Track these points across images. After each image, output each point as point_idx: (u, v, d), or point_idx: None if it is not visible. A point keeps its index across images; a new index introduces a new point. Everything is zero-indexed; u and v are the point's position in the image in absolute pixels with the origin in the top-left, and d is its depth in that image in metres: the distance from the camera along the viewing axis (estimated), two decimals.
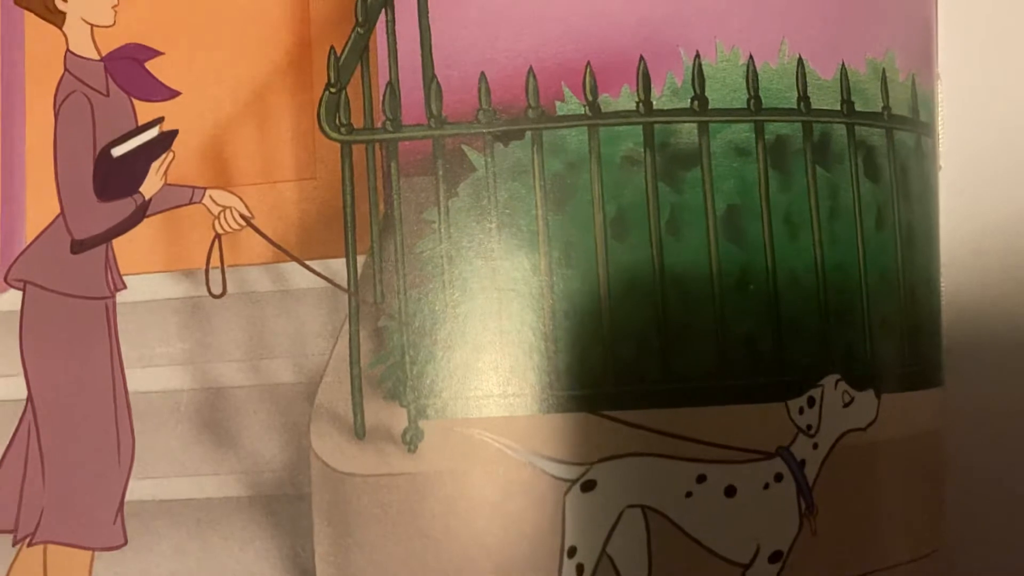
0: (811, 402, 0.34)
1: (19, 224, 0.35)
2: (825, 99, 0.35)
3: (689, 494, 0.32)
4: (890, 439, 0.35)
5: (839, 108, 0.35)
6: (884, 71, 0.36)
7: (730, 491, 0.33)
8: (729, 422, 0.33)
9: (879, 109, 0.36)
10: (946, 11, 0.41)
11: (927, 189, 0.38)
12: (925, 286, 0.37)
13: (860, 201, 0.35)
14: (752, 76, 0.34)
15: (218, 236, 0.34)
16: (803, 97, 0.34)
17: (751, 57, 0.34)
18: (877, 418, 0.34)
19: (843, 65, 0.35)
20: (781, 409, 0.33)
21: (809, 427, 0.33)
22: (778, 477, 0.33)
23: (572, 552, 0.32)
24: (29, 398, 0.34)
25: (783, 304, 0.34)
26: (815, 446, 0.33)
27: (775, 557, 0.33)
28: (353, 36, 0.34)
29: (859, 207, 0.35)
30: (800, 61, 0.34)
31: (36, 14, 0.34)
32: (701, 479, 0.32)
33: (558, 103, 0.33)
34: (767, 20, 0.34)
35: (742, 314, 0.33)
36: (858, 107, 0.35)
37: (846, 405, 0.34)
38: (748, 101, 0.34)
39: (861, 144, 0.36)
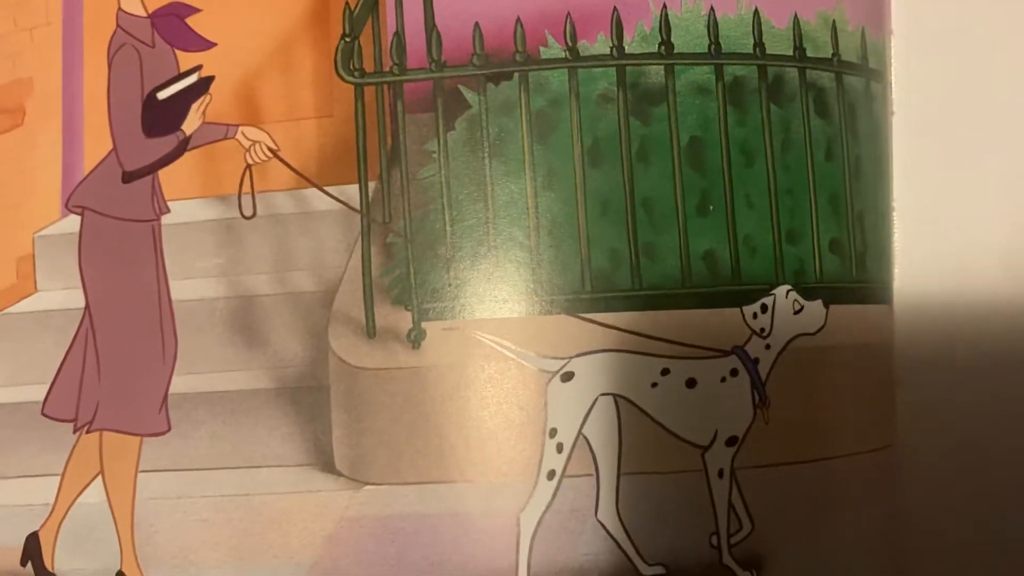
0: (764, 308, 0.38)
1: (78, 159, 0.40)
2: (779, 46, 0.39)
3: (655, 384, 0.37)
4: (839, 345, 0.40)
5: (792, 54, 0.40)
6: (834, 22, 0.40)
7: (691, 383, 0.37)
8: (690, 324, 0.37)
9: (829, 55, 0.40)
10: None
11: (876, 128, 0.42)
12: (874, 213, 0.42)
13: (810, 135, 0.40)
14: (713, 25, 0.38)
15: (249, 166, 0.39)
16: (758, 43, 0.39)
17: (712, 8, 0.39)
18: (825, 325, 0.39)
19: (795, 16, 0.40)
20: (737, 314, 0.38)
21: (762, 330, 0.38)
22: (734, 372, 0.38)
23: (553, 433, 0.36)
24: (86, 307, 0.39)
25: (739, 224, 0.38)
26: (767, 347, 0.38)
27: (731, 441, 0.37)
28: None
29: (809, 140, 0.40)
30: (756, 12, 0.39)
31: None
32: (665, 372, 0.37)
33: (542, 48, 0.38)
34: None
35: (703, 232, 0.38)
36: (809, 53, 0.40)
37: (796, 312, 0.39)
38: (709, 46, 0.38)
39: (812, 86, 0.40)
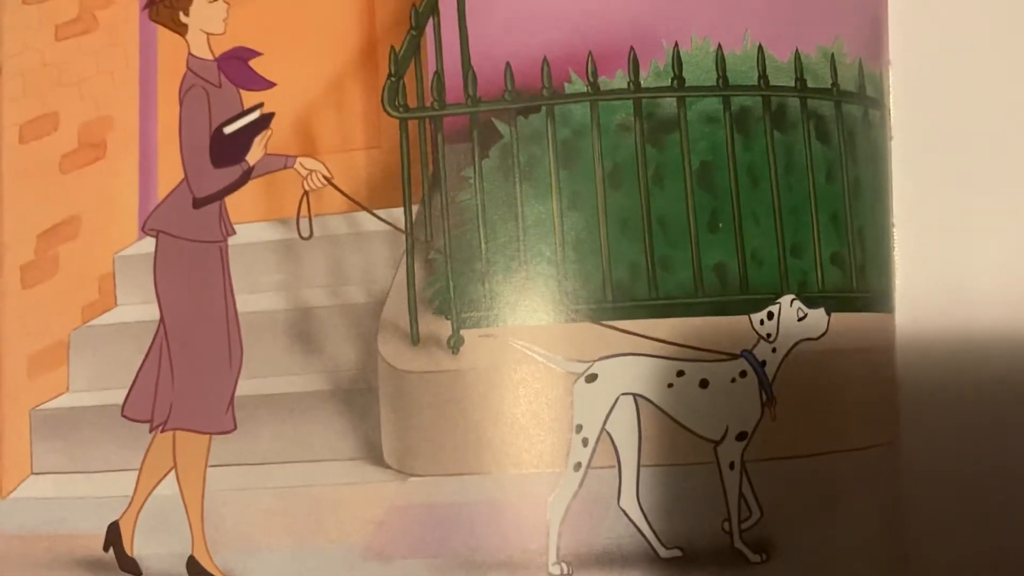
0: (770, 315, 0.42)
1: (153, 188, 0.45)
2: (782, 78, 0.43)
3: (671, 385, 0.41)
4: (841, 349, 0.43)
5: (793, 85, 0.43)
6: (833, 55, 0.44)
7: (704, 383, 0.41)
8: (703, 330, 0.41)
9: (828, 86, 0.44)
10: (897, 8, 0.49)
11: (875, 152, 0.46)
12: (873, 228, 0.45)
13: (811, 159, 0.43)
14: (720, 60, 0.42)
15: (306, 192, 0.43)
16: (763, 76, 0.43)
17: (719, 45, 0.42)
18: (827, 331, 0.43)
19: (797, 51, 0.43)
20: (745, 321, 0.42)
21: (768, 335, 0.42)
22: (743, 373, 0.41)
23: (579, 428, 0.40)
24: (161, 319, 0.43)
25: (747, 239, 0.42)
26: (774, 350, 0.42)
27: (741, 436, 0.41)
28: (408, 37, 0.43)
29: (811, 164, 0.43)
30: (760, 48, 0.43)
31: (166, 27, 0.44)
32: (680, 373, 0.41)
33: (566, 84, 0.42)
34: (732, 16, 0.43)
35: (713, 247, 0.42)
36: (810, 84, 0.44)
37: (800, 319, 0.42)
38: (717, 80, 0.42)
39: (813, 113, 0.44)
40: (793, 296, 0.42)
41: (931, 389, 0.48)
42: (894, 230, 0.47)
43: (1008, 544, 0.47)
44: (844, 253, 0.44)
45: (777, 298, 0.42)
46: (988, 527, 0.48)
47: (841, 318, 0.43)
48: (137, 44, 0.45)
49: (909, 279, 0.47)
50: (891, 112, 0.47)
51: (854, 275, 0.44)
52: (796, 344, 0.42)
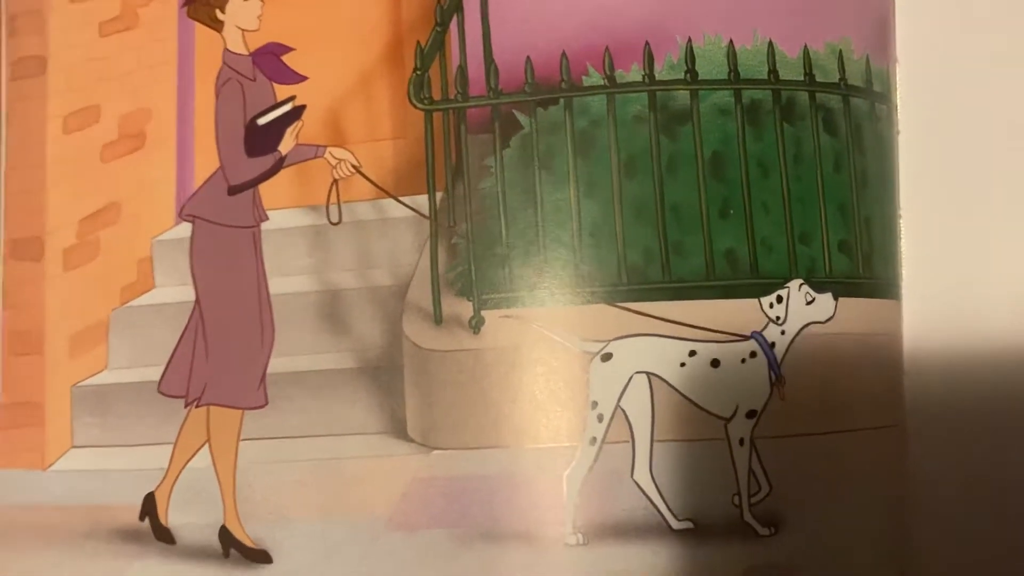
0: (779, 299, 0.43)
1: (189, 176, 0.47)
2: (791, 73, 0.45)
3: (683, 364, 0.42)
4: (848, 333, 0.45)
5: (802, 79, 0.45)
6: (841, 51, 0.46)
7: (715, 363, 0.42)
8: (714, 313, 0.43)
9: (836, 80, 0.46)
10: (903, 6, 0.50)
11: (881, 145, 0.47)
12: (880, 218, 0.47)
13: (820, 150, 0.45)
14: (731, 55, 0.44)
15: (335, 181, 0.45)
16: (772, 70, 0.45)
17: (731, 41, 0.44)
18: (835, 315, 0.44)
19: (805, 47, 0.45)
20: (755, 304, 0.43)
21: (777, 318, 0.43)
22: (752, 354, 0.43)
23: (595, 405, 0.42)
24: (196, 300, 0.45)
25: (757, 226, 0.44)
26: (783, 332, 0.43)
27: (751, 414, 0.42)
28: (433, 33, 0.45)
29: (819, 155, 0.45)
30: (770, 44, 0.45)
31: (203, 24, 0.46)
32: (692, 353, 0.42)
33: (584, 77, 0.44)
34: (743, 14, 0.45)
35: (724, 233, 0.44)
36: (818, 79, 0.45)
37: (808, 303, 0.44)
38: (728, 73, 0.44)
39: (821, 107, 0.45)
40: (801, 281, 0.44)
41: (937, 376, 0.50)
42: (901, 221, 0.48)
43: (1010, 531, 0.49)
44: (851, 241, 0.45)
45: (786, 283, 0.44)
46: (991, 512, 0.50)
47: (848, 303, 0.45)
48: (176, 40, 0.47)
49: (916, 269, 0.48)
50: (898, 108, 0.49)
51: (861, 262, 0.46)
52: (804, 327, 0.43)
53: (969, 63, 0.52)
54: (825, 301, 0.44)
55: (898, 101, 0.49)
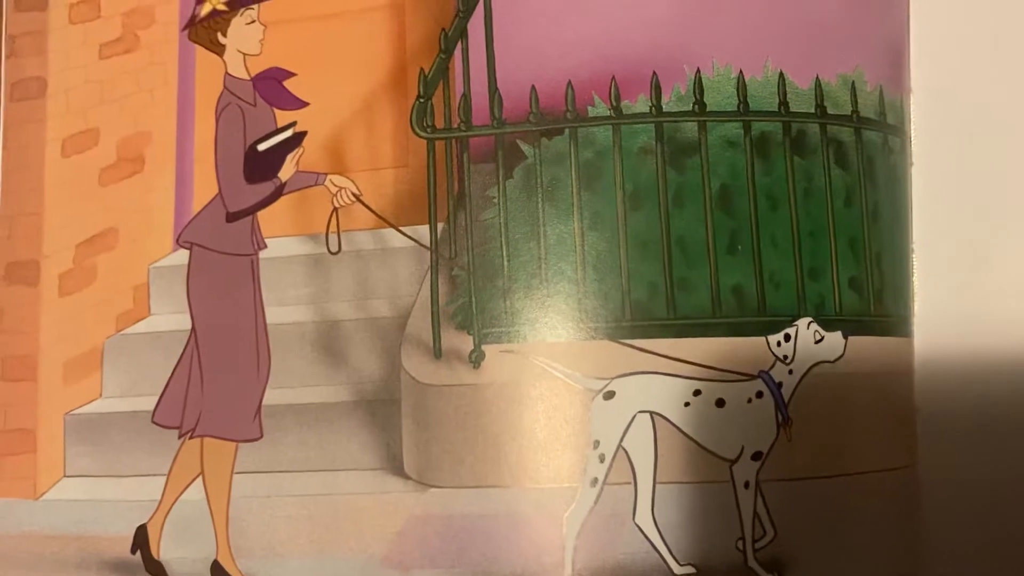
0: (787, 337, 0.42)
1: (188, 201, 0.46)
2: (802, 104, 0.44)
3: (687, 404, 0.41)
4: (858, 372, 0.44)
5: (814, 111, 0.44)
6: (853, 83, 0.45)
7: (720, 403, 0.41)
8: (720, 351, 0.42)
9: (848, 112, 0.45)
10: (918, 35, 0.49)
11: (894, 177, 0.46)
12: (891, 253, 0.46)
13: (831, 184, 0.44)
14: (741, 86, 0.43)
15: (335, 209, 0.44)
16: (783, 102, 0.44)
17: (740, 72, 0.43)
18: (844, 354, 0.43)
19: (817, 77, 0.44)
20: (763, 342, 0.42)
21: (785, 357, 0.42)
22: (759, 394, 0.42)
23: (596, 444, 0.41)
24: (192, 328, 0.44)
25: (765, 262, 0.43)
26: (790, 372, 0.42)
27: (756, 456, 0.41)
28: (437, 60, 0.44)
29: (830, 189, 0.44)
30: (781, 75, 0.44)
31: (204, 47, 0.46)
32: (697, 393, 0.41)
33: (589, 107, 0.43)
34: (754, 44, 0.44)
35: (731, 268, 0.43)
36: (830, 111, 0.44)
37: (817, 342, 0.43)
38: (738, 105, 0.43)
39: (832, 140, 0.44)
40: (810, 319, 0.43)
41: (951, 414, 0.48)
42: (913, 256, 0.47)
43: None
44: (862, 277, 0.44)
45: (794, 320, 0.42)
46: (1007, 553, 0.48)
47: (859, 341, 0.44)
48: (176, 63, 0.46)
49: (929, 304, 0.47)
50: (912, 139, 0.48)
51: (872, 299, 0.45)
52: (813, 366, 0.42)
53: (985, 93, 0.50)
54: (834, 340, 0.43)
55: (912, 132, 0.48)
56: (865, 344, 0.44)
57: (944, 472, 0.47)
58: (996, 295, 0.50)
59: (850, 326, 0.43)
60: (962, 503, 0.49)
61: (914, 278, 0.47)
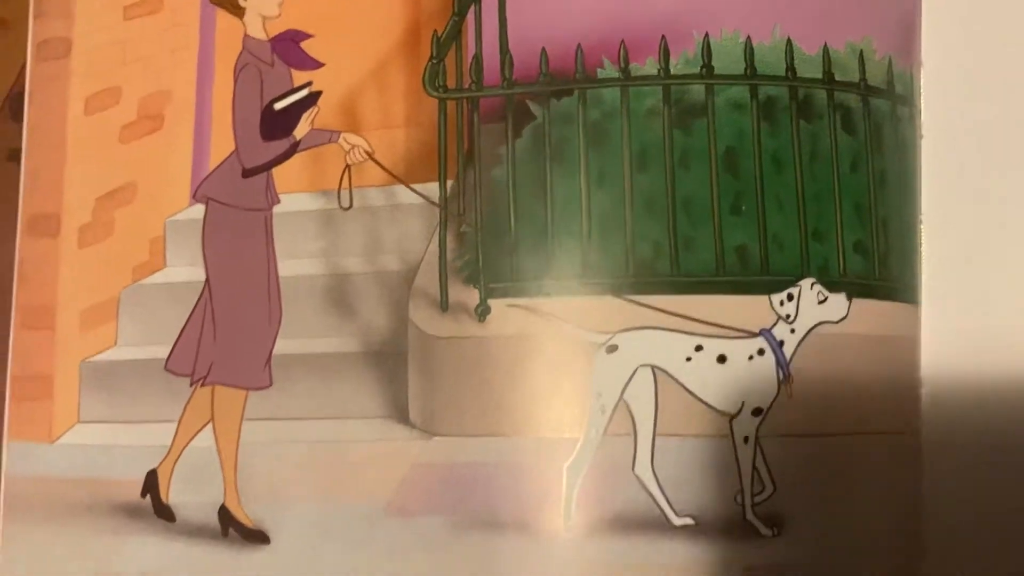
0: (790, 297, 0.43)
1: (205, 158, 0.47)
2: (809, 70, 0.45)
3: (689, 359, 0.42)
4: (861, 334, 0.44)
5: (821, 77, 0.45)
6: (861, 51, 0.45)
7: (721, 359, 0.42)
8: (722, 308, 0.42)
9: (856, 80, 0.45)
10: (929, 9, 0.50)
11: (902, 147, 0.47)
12: (898, 220, 0.46)
13: (837, 149, 0.45)
14: (748, 50, 0.44)
15: (348, 166, 0.45)
16: (790, 67, 0.44)
17: (748, 37, 0.44)
18: (848, 315, 0.43)
19: (825, 45, 0.45)
20: (765, 301, 0.43)
21: (788, 316, 0.42)
22: (760, 352, 0.42)
23: (598, 396, 0.41)
24: (207, 280, 0.45)
25: (769, 223, 0.43)
26: (792, 331, 0.42)
27: (757, 412, 0.42)
28: (450, 22, 0.45)
29: (836, 153, 0.44)
30: (789, 41, 0.44)
31: (225, 10, 0.47)
32: (698, 348, 0.42)
33: (598, 69, 0.44)
34: (763, 10, 0.44)
35: (736, 229, 0.43)
36: (838, 78, 0.45)
37: (820, 302, 0.43)
38: (745, 69, 0.44)
39: (839, 106, 0.45)
40: (813, 280, 0.43)
41: (956, 384, 0.48)
42: (922, 226, 0.48)
43: None
44: (867, 242, 0.45)
45: (798, 281, 0.43)
46: (1007, 527, 0.48)
47: (863, 304, 0.44)
48: (198, 24, 0.47)
49: (937, 276, 0.48)
50: (922, 112, 0.48)
51: (877, 263, 0.45)
52: (815, 326, 0.43)
53: (996, 67, 0.51)
54: (838, 301, 0.43)
55: (922, 105, 0.49)
56: (869, 307, 0.44)
57: (947, 438, 0.48)
58: (1005, 268, 0.50)
59: (854, 288, 0.44)
60: (964, 473, 0.49)
61: (922, 247, 0.48)
